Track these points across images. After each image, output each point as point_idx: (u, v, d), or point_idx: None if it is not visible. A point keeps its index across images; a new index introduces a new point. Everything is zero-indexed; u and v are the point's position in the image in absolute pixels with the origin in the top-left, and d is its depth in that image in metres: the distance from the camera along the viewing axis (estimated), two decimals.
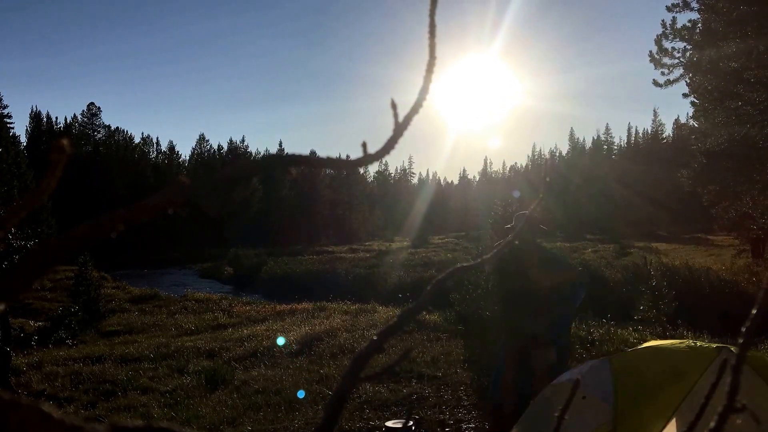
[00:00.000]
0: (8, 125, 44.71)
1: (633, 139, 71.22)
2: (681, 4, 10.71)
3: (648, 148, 63.70)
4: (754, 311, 0.39)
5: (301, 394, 7.50)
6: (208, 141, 76.91)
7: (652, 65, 11.27)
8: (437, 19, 0.44)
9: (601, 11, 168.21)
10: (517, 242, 4.57)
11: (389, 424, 5.22)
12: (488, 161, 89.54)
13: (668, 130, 66.94)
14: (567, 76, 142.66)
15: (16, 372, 8.72)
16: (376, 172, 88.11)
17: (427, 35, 0.44)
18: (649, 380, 3.27)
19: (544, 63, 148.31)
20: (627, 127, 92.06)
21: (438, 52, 0.44)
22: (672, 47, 11.01)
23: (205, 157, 73.56)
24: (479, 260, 0.49)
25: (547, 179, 59.40)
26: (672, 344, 3.51)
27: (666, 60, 11.02)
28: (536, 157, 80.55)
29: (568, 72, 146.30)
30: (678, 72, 11.07)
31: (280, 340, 12.86)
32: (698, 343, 3.42)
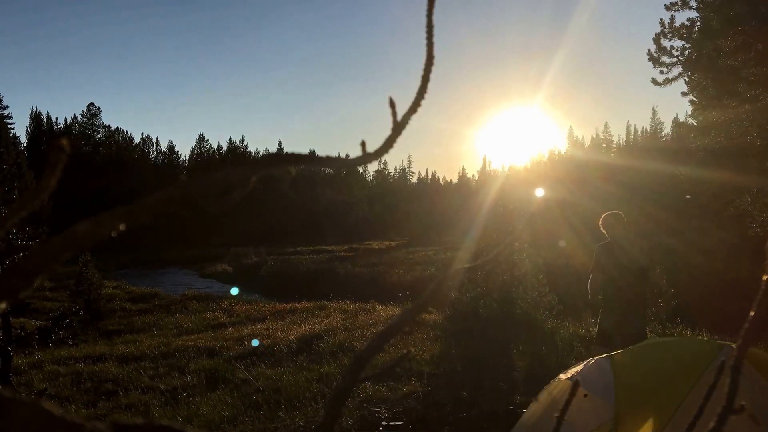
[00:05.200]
0: (8, 126, 44.72)
1: (632, 137, 71.22)
2: (679, 3, 10.70)
3: (647, 146, 63.68)
4: (752, 312, 0.39)
5: (255, 342, 7.66)
6: (207, 141, 76.97)
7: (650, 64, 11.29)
8: (437, 19, 0.44)
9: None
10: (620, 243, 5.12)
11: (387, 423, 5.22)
12: (487, 160, 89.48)
13: (667, 128, 67.00)
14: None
15: (18, 371, 8.72)
16: (375, 171, 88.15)
17: (425, 36, 0.44)
18: (651, 378, 3.25)
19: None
20: (626, 125, 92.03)
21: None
22: (671, 46, 11.01)
23: (204, 157, 73.54)
24: (479, 260, 0.49)
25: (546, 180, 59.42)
26: (673, 341, 3.49)
27: (665, 59, 11.01)
28: (535, 155, 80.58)
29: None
30: (677, 70, 11.06)
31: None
32: (700, 341, 3.41)
